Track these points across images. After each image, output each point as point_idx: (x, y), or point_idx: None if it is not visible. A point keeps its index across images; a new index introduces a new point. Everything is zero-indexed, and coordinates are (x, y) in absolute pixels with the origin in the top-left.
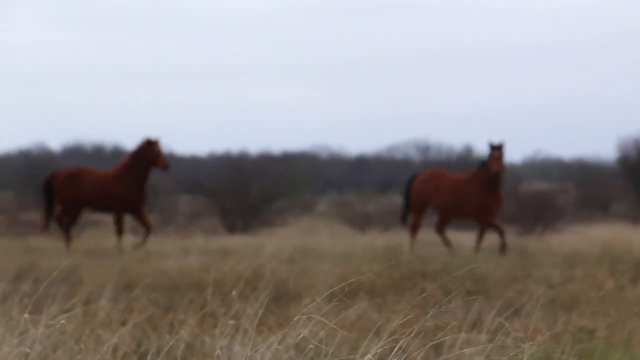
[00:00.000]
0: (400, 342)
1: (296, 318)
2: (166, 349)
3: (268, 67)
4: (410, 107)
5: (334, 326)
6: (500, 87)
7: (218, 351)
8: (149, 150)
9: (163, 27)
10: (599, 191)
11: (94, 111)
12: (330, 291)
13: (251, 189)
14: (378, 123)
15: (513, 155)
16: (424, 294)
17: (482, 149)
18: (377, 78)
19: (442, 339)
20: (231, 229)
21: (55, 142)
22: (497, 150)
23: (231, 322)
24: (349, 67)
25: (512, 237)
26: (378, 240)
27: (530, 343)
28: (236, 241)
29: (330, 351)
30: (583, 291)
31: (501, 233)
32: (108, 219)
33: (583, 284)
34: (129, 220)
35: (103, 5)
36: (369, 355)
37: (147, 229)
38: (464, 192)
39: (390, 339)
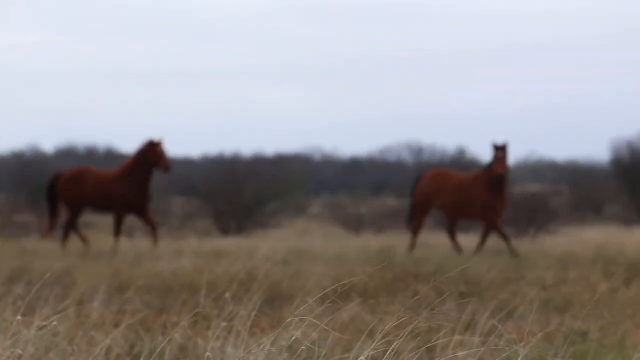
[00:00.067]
0: (394, 345)
1: (289, 320)
2: (159, 350)
3: (261, 70)
4: (404, 109)
5: (327, 328)
6: (493, 89)
7: (209, 353)
8: (151, 152)
9: (156, 30)
10: (593, 193)
11: (87, 113)
12: (323, 293)
13: (245, 191)
14: (371, 125)
15: None
16: (417, 297)
17: (475, 151)
18: (370, 80)
19: (436, 342)
20: (225, 231)
21: (49, 144)
22: (500, 151)
23: (224, 324)
24: (343, 69)
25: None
26: (372, 242)
27: (524, 345)
28: (230, 243)
29: (323, 353)
30: (576, 293)
31: (506, 238)
32: (101, 220)
33: (576, 286)
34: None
35: (96, 7)
36: (362, 358)
37: (153, 228)
38: (469, 192)
39: (383, 341)
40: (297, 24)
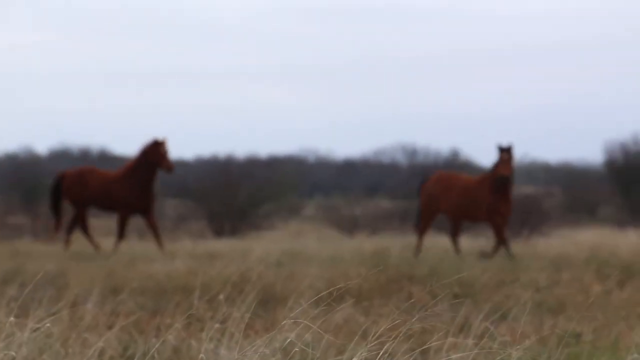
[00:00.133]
0: (386, 346)
1: (284, 322)
2: (152, 352)
3: (255, 71)
4: (398, 110)
5: (320, 330)
6: (488, 90)
7: (202, 355)
8: (154, 152)
9: (148, 31)
10: (586, 195)
11: (80, 115)
12: (318, 296)
13: (238, 193)
14: (365, 127)
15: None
16: (412, 300)
17: (469, 153)
18: (364, 82)
19: (430, 344)
20: (218, 232)
21: (42, 145)
22: (505, 152)
23: (218, 325)
24: (337, 70)
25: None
26: (366, 244)
27: (517, 347)
28: (223, 245)
29: (317, 355)
30: (570, 295)
31: (504, 242)
32: (93, 222)
33: (570, 288)
34: (112, 224)
35: (89, 9)
36: (355, 359)
37: (155, 231)
38: (474, 195)
39: (376, 343)
40: (291, 25)
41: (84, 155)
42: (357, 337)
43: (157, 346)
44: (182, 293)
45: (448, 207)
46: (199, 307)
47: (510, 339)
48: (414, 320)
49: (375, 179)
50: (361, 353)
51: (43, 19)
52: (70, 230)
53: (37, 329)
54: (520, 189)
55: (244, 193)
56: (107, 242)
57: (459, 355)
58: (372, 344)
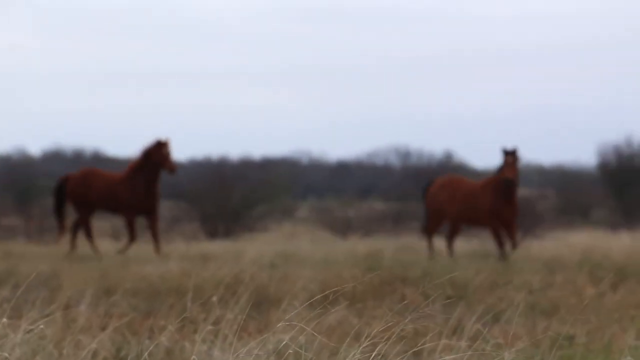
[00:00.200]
0: (379, 347)
1: (279, 325)
2: (146, 354)
3: (248, 72)
4: (391, 112)
5: (314, 332)
6: (479, 93)
7: (193, 356)
8: (157, 152)
9: (142, 32)
10: (579, 197)
11: (73, 116)
12: (313, 299)
13: (232, 195)
14: (358, 129)
15: (492, 161)
16: (405, 302)
17: (462, 155)
18: (357, 83)
19: (423, 346)
20: (212, 234)
21: (35, 147)
22: (510, 156)
23: (211, 327)
24: (330, 72)
25: (492, 243)
26: (359, 245)
27: (510, 349)
28: (217, 246)
29: (310, 357)
30: (563, 297)
31: (501, 245)
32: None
33: (563, 290)
34: (106, 225)
35: (89, 9)
36: None
37: (155, 233)
38: (476, 200)
39: (370, 344)
40: (284, 26)
41: (78, 156)
42: (350, 339)
43: (150, 348)
44: (176, 295)
45: (451, 212)
46: (192, 308)
47: (504, 341)
48: (406, 321)
49: (369, 180)
50: (354, 355)
51: (43, 19)
52: (75, 232)
53: (31, 330)
54: None
55: (237, 195)
56: (100, 245)
57: (452, 357)
58: (365, 346)
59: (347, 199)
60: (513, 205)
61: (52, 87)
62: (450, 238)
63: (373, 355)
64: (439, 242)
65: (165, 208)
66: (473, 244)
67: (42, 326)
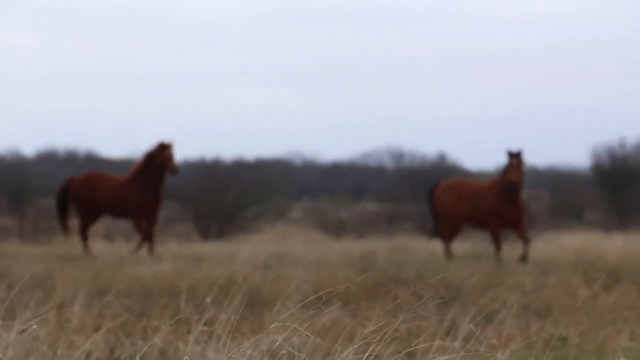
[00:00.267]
0: (372, 347)
1: (273, 325)
2: (139, 355)
3: (241, 73)
4: (384, 114)
5: (307, 333)
6: (473, 94)
7: (186, 357)
8: (160, 154)
9: (142, 32)
10: (572, 199)
11: (66, 117)
12: (306, 300)
13: (225, 195)
14: (352, 130)
15: (486, 163)
16: (397, 301)
17: (456, 157)
18: (351, 84)
19: (416, 347)
20: (205, 235)
21: (29, 147)
22: (515, 158)
23: (205, 328)
24: (323, 73)
25: (486, 244)
26: (353, 246)
27: (504, 351)
28: (210, 247)
29: (303, 357)
30: (556, 298)
31: (498, 246)
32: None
33: (556, 291)
34: (99, 226)
35: (82, 9)
36: None
37: (146, 237)
38: (478, 201)
39: (362, 343)
40: (284, 26)
41: (71, 157)
42: (343, 340)
43: (144, 349)
44: (169, 295)
45: (456, 214)
46: (185, 309)
47: (497, 342)
48: (399, 321)
49: (362, 182)
50: (347, 354)
51: (43, 19)
52: (84, 237)
53: (24, 330)
54: None
55: (230, 196)
56: (94, 246)
57: (445, 357)
58: (358, 345)
59: (341, 200)
60: (518, 206)
61: (51, 87)
62: (449, 240)
63: (366, 356)
64: (438, 244)
65: None
66: (466, 246)
67: (35, 327)
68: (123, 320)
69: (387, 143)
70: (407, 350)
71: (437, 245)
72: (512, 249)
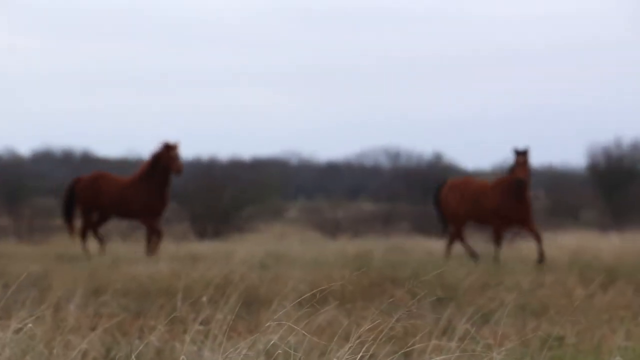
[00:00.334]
0: (366, 346)
1: (267, 324)
2: (135, 354)
3: (238, 73)
4: (381, 113)
5: (304, 332)
6: (473, 94)
7: (183, 356)
8: (165, 155)
9: (142, 32)
10: (569, 199)
11: (66, 117)
12: (301, 298)
13: (222, 195)
14: (348, 129)
15: (482, 162)
16: (392, 299)
17: (452, 157)
18: (347, 84)
19: (413, 347)
20: (202, 234)
21: (25, 147)
22: (521, 156)
23: (201, 327)
24: (320, 73)
25: (482, 244)
26: (349, 246)
27: (500, 350)
28: (207, 247)
29: (300, 356)
30: (553, 298)
31: (498, 245)
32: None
33: (553, 291)
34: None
35: (82, 9)
36: None
37: (151, 238)
38: (481, 200)
39: (358, 341)
40: (284, 26)
41: (67, 157)
42: (339, 339)
43: (140, 348)
44: (165, 295)
45: (461, 212)
46: (182, 309)
47: (493, 341)
48: (394, 320)
49: (358, 181)
50: (342, 352)
51: (43, 19)
52: (98, 237)
53: (20, 330)
54: None
55: (227, 195)
56: (91, 245)
57: (442, 357)
58: (353, 344)
59: (337, 199)
60: (525, 204)
61: (51, 87)
62: (453, 238)
63: (362, 355)
64: (439, 243)
65: None
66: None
67: (31, 326)
68: (119, 319)
69: (383, 143)
70: (403, 350)
71: (433, 245)
72: (510, 248)
